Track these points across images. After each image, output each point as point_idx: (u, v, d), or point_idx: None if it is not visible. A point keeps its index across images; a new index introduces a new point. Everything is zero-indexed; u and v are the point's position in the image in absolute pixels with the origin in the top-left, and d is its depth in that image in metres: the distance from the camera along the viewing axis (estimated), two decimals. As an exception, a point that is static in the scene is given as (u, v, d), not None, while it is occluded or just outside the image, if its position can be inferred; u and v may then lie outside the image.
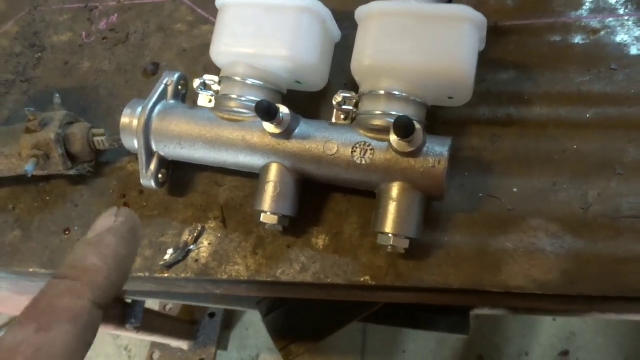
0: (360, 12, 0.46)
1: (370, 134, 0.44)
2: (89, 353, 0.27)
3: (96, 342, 0.28)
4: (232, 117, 0.48)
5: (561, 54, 0.51)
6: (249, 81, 0.47)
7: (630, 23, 0.51)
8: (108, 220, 0.30)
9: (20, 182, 0.56)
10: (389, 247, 0.44)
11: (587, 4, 0.53)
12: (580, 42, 0.51)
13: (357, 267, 0.47)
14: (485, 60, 0.50)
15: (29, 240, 0.55)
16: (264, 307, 1.07)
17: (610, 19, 0.52)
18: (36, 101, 0.61)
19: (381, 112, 0.44)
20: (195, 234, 0.51)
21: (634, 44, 0.50)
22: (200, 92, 0.50)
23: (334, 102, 0.47)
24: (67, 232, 0.54)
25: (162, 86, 0.50)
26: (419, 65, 0.43)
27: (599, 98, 0.49)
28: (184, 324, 1.35)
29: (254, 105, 0.44)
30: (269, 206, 0.45)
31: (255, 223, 0.50)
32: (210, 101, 0.51)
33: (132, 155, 0.55)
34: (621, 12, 0.52)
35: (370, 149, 0.44)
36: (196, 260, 0.50)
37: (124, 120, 0.49)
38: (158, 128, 0.48)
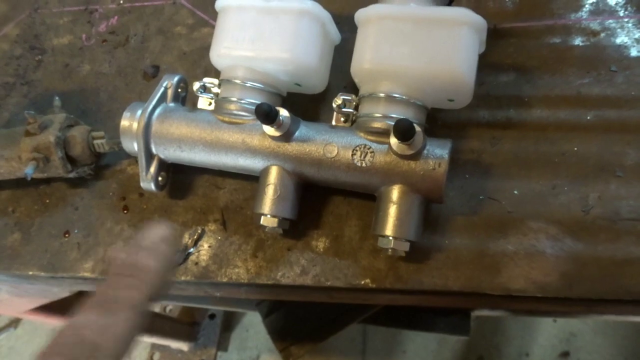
0: (360, 16, 0.46)
1: (370, 137, 0.44)
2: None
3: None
4: (232, 119, 0.48)
5: (561, 56, 0.51)
6: (248, 84, 0.47)
7: (630, 25, 0.51)
8: (160, 231, 0.37)
9: (21, 185, 0.56)
10: (389, 250, 0.44)
11: (587, 6, 0.53)
12: (580, 44, 0.51)
13: (357, 270, 0.47)
14: (485, 63, 0.50)
15: (29, 243, 0.55)
16: (264, 308, 1.07)
17: (610, 21, 0.52)
18: (36, 104, 0.61)
19: (381, 114, 0.44)
20: (195, 237, 0.51)
21: (633, 46, 0.50)
22: (200, 95, 0.50)
23: (334, 105, 0.47)
24: (66, 235, 0.54)
25: (162, 89, 0.50)
26: (419, 68, 0.43)
27: (599, 100, 0.49)
28: (184, 326, 1.35)
29: (253, 108, 0.44)
30: (269, 209, 0.45)
31: (256, 226, 0.50)
32: (210, 104, 0.51)
33: (132, 158, 0.55)
34: (621, 14, 0.52)
35: (371, 152, 0.44)
36: (196, 263, 0.50)
37: (124, 123, 0.49)
38: (158, 131, 0.48)
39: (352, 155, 0.44)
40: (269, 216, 0.46)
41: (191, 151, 0.48)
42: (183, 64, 0.59)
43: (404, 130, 0.39)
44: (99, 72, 0.61)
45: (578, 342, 1.35)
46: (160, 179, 0.50)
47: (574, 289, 0.44)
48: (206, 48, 0.55)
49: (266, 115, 0.42)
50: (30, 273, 0.53)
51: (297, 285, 0.48)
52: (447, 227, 0.47)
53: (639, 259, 0.44)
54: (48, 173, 0.52)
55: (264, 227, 0.46)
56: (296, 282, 0.48)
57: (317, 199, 0.50)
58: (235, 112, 0.47)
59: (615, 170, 0.46)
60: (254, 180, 0.49)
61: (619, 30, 0.51)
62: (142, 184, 0.50)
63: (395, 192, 0.43)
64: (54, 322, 1.01)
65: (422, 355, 1.38)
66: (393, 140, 0.42)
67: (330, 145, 0.45)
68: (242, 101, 0.47)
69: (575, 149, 0.48)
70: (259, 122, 0.45)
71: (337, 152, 0.44)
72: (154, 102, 0.49)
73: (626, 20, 0.51)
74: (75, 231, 0.54)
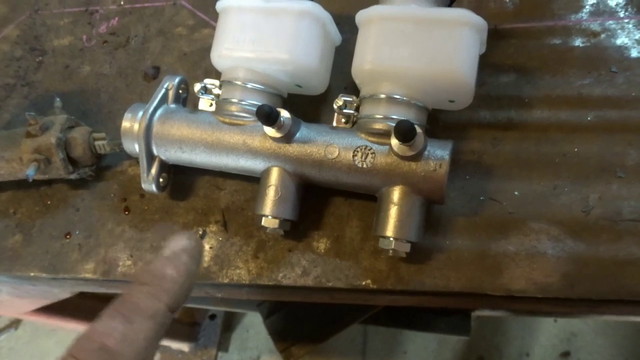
0: (361, 17, 0.46)
1: (371, 138, 0.44)
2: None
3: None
4: (233, 121, 0.48)
5: (561, 57, 0.51)
6: (249, 85, 0.47)
7: (630, 26, 0.51)
8: (183, 242, 0.38)
9: (22, 186, 0.56)
10: (390, 251, 0.44)
11: (587, 6, 0.53)
12: (581, 45, 0.51)
13: (359, 271, 0.47)
14: (486, 64, 0.50)
15: (30, 245, 0.55)
16: (265, 309, 1.07)
17: (611, 22, 0.52)
18: (37, 105, 0.61)
19: (382, 115, 0.44)
20: (197, 238, 0.51)
21: (634, 47, 0.50)
22: (201, 96, 0.50)
23: (335, 106, 0.47)
24: (68, 236, 0.54)
25: (163, 90, 0.50)
26: (420, 69, 0.43)
27: (600, 101, 0.49)
28: (185, 326, 1.35)
29: (254, 109, 0.44)
30: (270, 210, 0.45)
31: (257, 227, 0.50)
32: (211, 105, 0.51)
33: (133, 159, 0.55)
34: (621, 14, 0.52)
35: (371, 153, 0.44)
36: (197, 264, 0.50)
37: (125, 124, 0.49)
38: (159, 132, 0.48)
39: (353, 156, 0.44)
40: (270, 217, 0.46)
41: (192, 152, 0.48)
42: (184, 64, 0.59)
43: (404, 132, 0.39)
44: (100, 73, 0.61)
45: (579, 342, 1.35)
46: (161, 180, 0.50)
47: (575, 290, 0.44)
48: (207, 49, 0.55)
49: (267, 116, 0.42)
50: (32, 274, 0.53)
51: (298, 286, 0.48)
52: (448, 227, 0.47)
53: (640, 259, 0.44)
54: (49, 174, 0.52)
55: (265, 228, 0.46)
56: (297, 283, 0.48)
57: (318, 199, 0.50)
58: (236, 113, 0.47)
59: (616, 171, 0.46)
60: (254, 181, 0.50)
61: (619, 31, 0.51)
62: (143, 185, 0.50)
63: (396, 193, 0.43)
64: (54, 323, 1.02)
65: (422, 355, 1.38)
66: (394, 142, 0.42)
67: (331, 146, 0.45)
68: (243, 102, 0.47)
69: (576, 149, 0.48)
70: (260, 124, 0.45)
71: (338, 153, 0.44)
72: (155, 104, 0.49)
73: (626, 21, 0.51)
74: (77, 232, 0.54)
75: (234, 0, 0.48)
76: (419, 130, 0.41)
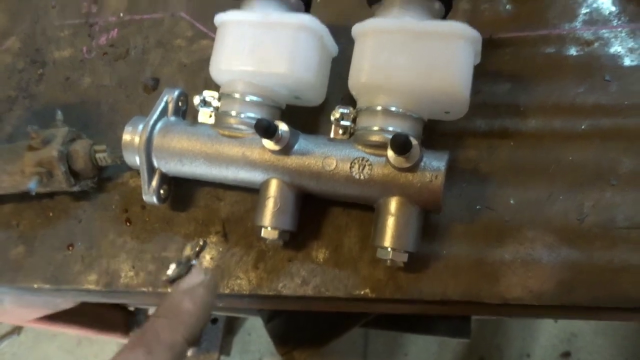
0: (357, 30, 0.47)
1: (368, 150, 0.45)
2: (94, 359, 0.33)
3: (100, 347, 0.35)
4: (232, 133, 0.48)
5: (556, 66, 0.52)
6: (248, 98, 0.48)
7: (623, 34, 0.52)
8: (199, 276, 0.41)
9: (24, 199, 0.57)
10: (388, 261, 0.44)
11: (581, 15, 0.53)
12: (575, 54, 0.52)
13: (357, 280, 0.48)
14: (481, 72, 0.50)
15: (33, 256, 0.55)
16: (266, 313, 1.08)
17: (604, 31, 0.52)
18: (38, 117, 0.62)
19: (378, 127, 0.45)
20: (197, 249, 0.52)
21: (627, 55, 0.51)
22: (201, 109, 0.51)
23: (332, 118, 0.47)
24: (70, 248, 0.55)
25: (163, 103, 0.51)
26: (415, 82, 0.43)
27: (593, 109, 0.50)
28: (187, 330, 1.35)
29: (253, 121, 0.44)
30: (269, 221, 0.46)
31: (256, 237, 0.50)
32: (211, 116, 0.51)
33: (134, 171, 0.56)
34: (614, 23, 0.52)
35: (369, 165, 0.44)
36: (198, 275, 0.51)
37: (126, 137, 0.50)
38: (159, 145, 0.49)
39: (351, 168, 0.45)
40: (269, 228, 0.46)
41: (192, 165, 0.49)
42: (183, 75, 0.60)
43: (400, 145, 0.40)
44: (100, 85, 0.62)
45: (579, 342, 1.36)
46: (162, 192, 0.51)
47: (569, 297, 0.44)
48: (205, 60, 0.56)
49: (266, 130, 0.43)
50: (35, 286, 0.54)
51: (298, 296, 0.49)
52: (445, 235, 0.48)
53: (634, 266, 0.44)
54: (51, 187, 0.53)
55: (264, 238, 0.47)
56: (297, 292, 0.48)
57: (316, 209, 0.50)
58: (235, 126, 0.48)
59: (610, 179, 0.47)
60: (254, 191, 0.50)
61: (612, 39, 0.52)
62: (144, 197, 0.51)
63: (393, 204, 0.44)
64: (57, 329, 1.02)
65: (423, 357, 1.39)
66: (390, 154, 0.43)
67: (329, 158, 0.45)
68: (242, 115, 0.48)
69: (571, 157, 0.48)
70: (258, 136, 0.46)
71: (336, 165, 0.45)
72: (155, 117, 0.50)
73: (619, 29, 0.52)
74: (79, 244, 0.55)
75: (232, 14, 0.49)
76: (414, 142, 0.42)
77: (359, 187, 0.45)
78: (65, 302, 0.69)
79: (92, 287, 0.53)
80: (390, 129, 0.44)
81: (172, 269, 0.51)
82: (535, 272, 0.45)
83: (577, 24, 0.53)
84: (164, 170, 0.51)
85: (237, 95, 0.48)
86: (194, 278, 0.41)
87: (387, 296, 0.47)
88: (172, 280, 0.51)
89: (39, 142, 0.52)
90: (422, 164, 0.43)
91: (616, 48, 0.51)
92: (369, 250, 0.48)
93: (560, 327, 1.37)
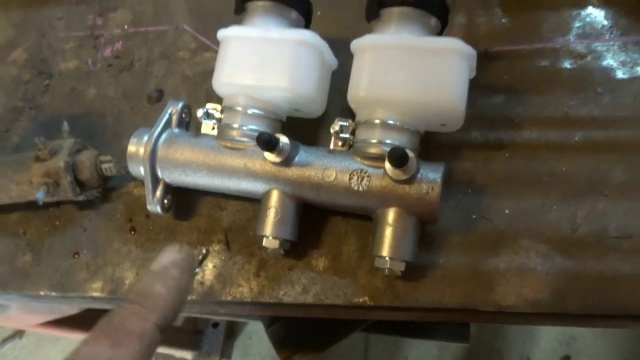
0: (355, 45, 0.48)
1: (367, 162, 0.46)
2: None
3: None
4: (235, 145, 0.50)
5: (550, 79, 0.53)
6: (250, 111, 0.49)
7: (615, 48, 0.53)
8: (172, 255, 0.35)
9: (31, 207, 0.58)
10: (386, 270, 0.45)
11: (575, 29, 0.55)
12: (568, 67, 0.53)
13: (356, 288, 0.49)
14: (477, 85, 0.52)
15: (40, 264, 0.57)
16: (267, 318, 1.09)
17: (597, 44, 0.54)
18: (44, 127, 0.63)
19: (377, 140, 0.46)
20: (200, 257, 0.53)
21: (619, 68, 0.52)
22: (204, 121, 0.52)
23: (332, 131, 0.49)
24: (76, 256, 0.56)
25: (167, 115, 0.52)
26: (412, 96, 0.45)
27: (586, 121, 0.51)
28: (188, 334, 1.36)
29: (255, 134, 0.46)
30: (270, 231, 0.47)
31: (258, 246, 0.52)
32: (214, 128, 0.53)
33: (138, 181, 0.57)
34: (607, 37, 0.54)
35: (367, 176, 0.46)
36: (201, 283, 0.52)
37: (131, 148, 0.51)
38: (163, 156, 0.50)
39: (350, 179, 0.46)
40: (270, 238, 0.48)
41: (195, 176, 0.50)
42: (186, 87, 0.61)
43: (397, 158, 0.42)
44: (105, 96, 0.63)
45: (579, 345, 1.37)
46: (165, 201, 0.52)
47: (563, 305, 0.46)
48: (208, 72, 0.57)
49: (267, 143, 0.44)
50: (41, 293, 0.55)
51: (298, 304, 0.50)
52: (442, 245, 0.49)
53: (625, 275, 0.45)
54: (58, 197, 0.54)
55: (266, 247, 0.48)
56: (297, 300, 0.50)
57: (316, 218, 0.52)
58: (238, 138, 0.49)
59: (602, 189, 0.48)
60: (255, 201, 0.51)
61: (605, 52, 0.53)
62: (148, 207, 0.52)
63: (391, 215, 0.45)
64: (59, 333, 1.03)
65: (423, 361, 1.40)
66: (388, 166, 0.44)
67: (328, 169, 0.47)
68: (244, 128, 0.49)
69: (564, 168, 0.50)
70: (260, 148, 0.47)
71: (335, 177, 0.46)
72: (159, 129, 0.51)
73: (612, 43, 0.53)
74: (85, 252, 0.56)
75: (235, 30, 0.50)
76: (411, 155, 0.43)
77: (358, 198, 0.46)
78: (71, 309, 0.70)
79: (97, 294, 0.54)
80: (388, 141, 0.45)
81: (175, 277, 0.52)
82: (530, 281, 0.46)
83: (571, 37, 0.54)
84: (167, 180, 0.52)
85: (239, 108, 0.49)
86: (167, 257, 0.35)
87: (385, 304, 0.48)
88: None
89: (47, 153, 0.53)
90: (419, 175, 0.44)
91: (608, 61, 0.53)
92: (368, 259, 0.50)
93: (560, 330, 1.38)
